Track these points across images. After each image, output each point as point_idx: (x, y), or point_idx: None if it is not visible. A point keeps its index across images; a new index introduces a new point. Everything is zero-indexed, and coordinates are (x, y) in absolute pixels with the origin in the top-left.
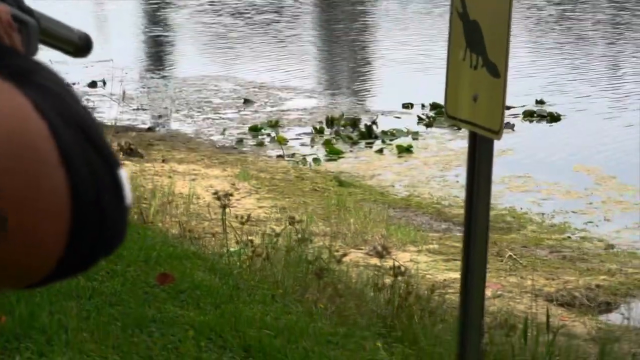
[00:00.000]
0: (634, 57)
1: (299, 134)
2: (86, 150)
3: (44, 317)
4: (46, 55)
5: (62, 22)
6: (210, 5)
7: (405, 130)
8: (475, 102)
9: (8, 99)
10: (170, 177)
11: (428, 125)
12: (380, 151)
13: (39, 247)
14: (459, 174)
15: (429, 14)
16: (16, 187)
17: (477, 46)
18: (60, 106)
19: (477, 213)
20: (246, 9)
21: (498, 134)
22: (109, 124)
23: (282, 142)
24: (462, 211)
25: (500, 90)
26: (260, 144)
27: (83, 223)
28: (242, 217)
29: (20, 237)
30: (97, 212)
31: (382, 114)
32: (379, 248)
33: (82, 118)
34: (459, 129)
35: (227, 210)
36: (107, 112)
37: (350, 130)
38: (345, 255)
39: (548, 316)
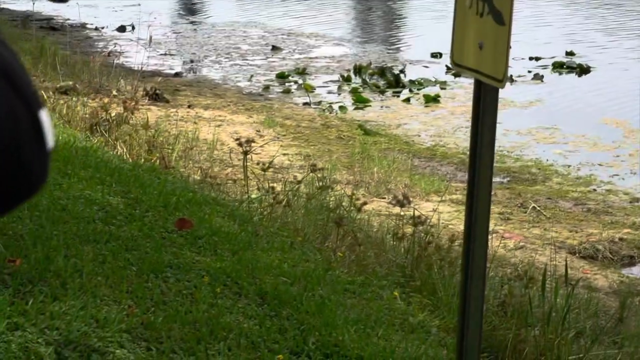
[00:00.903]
0: None
1: (326, 82)
2: (7, 94)
3: (59, 260)
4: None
5: None
6: None
7: (433, 79)
8: (480, 50)
9: None
10: (195, 122)
11: (456, 75)
12: (407, 100)
13: None
14: None
15: None
16: None
17: None
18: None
19: (481, 162)
20: None
21: (502, 82)
22: (136, 68)
23: (309, 89)
24: None
25: (505, 38)
26: (287, 91)
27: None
28: (264, 164)
29: None
30: (14, 157)
31: (411, 63)
32: (401, 197)
33: (5, 62)
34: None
35: (250, 157)
36: (134, 56)
37: (377, 79)
38: (366, 204)
39: (567, 268)
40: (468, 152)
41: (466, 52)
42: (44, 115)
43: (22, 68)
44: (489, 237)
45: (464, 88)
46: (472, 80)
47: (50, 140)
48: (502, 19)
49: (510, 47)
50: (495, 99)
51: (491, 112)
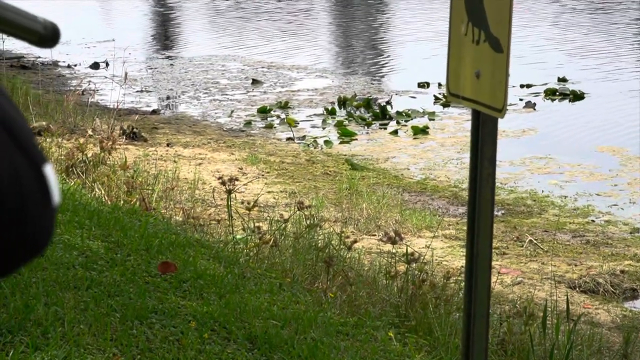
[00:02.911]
0: None
1: (310, 116)
2: (9, 150)
3: (39, 309)
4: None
5: (23, 10)
6: None
7: (421, 110)
8: (477, 79)
9: None
10: (175, 161)
11: (445, 105)
12: (394, 132)
13: None
14: None
15: None
16: None
17: (479, 20)
18: None
19: (482, 196)
20: None
21: (502, 112)
22: (112, 106)
23: (292, 124)
24: None
25: (504, 66)
26: (270, 126)
27: (4, 229)
28: (249, 203)
29: None
30: (19, 217)
31: (397, 94)
32: (392, 234)
33: (6, 115)
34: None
35: (234, 195)
36: (109, 94)
37: (363, 111)
38: (356, 241)
39: (569, 303)
40: (461, 186)
41: (462, 82)
42: (49, 171)
43: (23, 120)
44: None
45: (453, 118)
46: (461, 110)
47: (56, 197)
48: (499, 46)
49: (509, 75)
50: (494, 130)
51: (490, 143)
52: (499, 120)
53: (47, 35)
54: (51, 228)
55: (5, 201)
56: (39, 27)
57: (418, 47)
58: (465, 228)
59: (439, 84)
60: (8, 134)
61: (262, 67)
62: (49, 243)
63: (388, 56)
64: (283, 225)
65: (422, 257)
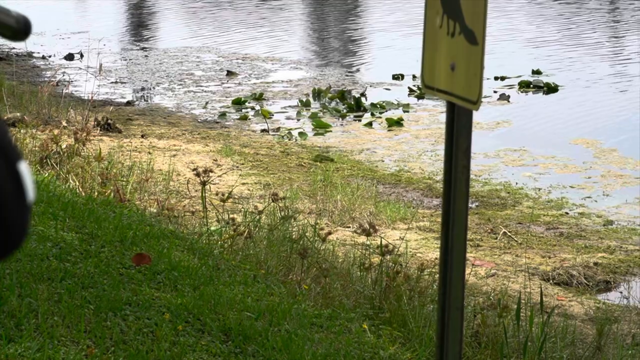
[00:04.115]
0: (633, 23)
1: (284, 107)
2: None
3: (13, 300)
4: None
5: None
6: None
7: (396, 102)
8: (452, 71)
9: None
10: (149, 153)
11: (419, 97)
12: (369, 124)
13: None
14: None
15: None
16: None
17: (454, 12)
18: None
19: (456, 188)
20: None
21: (476, 104)
22: (86, 98)
23: (266, 115)
24: None
25: (479, 58)
26: (244, 118)
27: None
28: (223, 195)
29: None
30: None
31: (371, 86)
32: (366, 226)
33: None
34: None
35: (208, 187)
36: (84, 85)
37: (338, 103)
38: (330, 233)
39: (542, 296)
40: (435, 178)
41: (437, 74)
42: (24, 168)
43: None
44: None
45: (427, 110)
46: (435, 103)
47: (30, 194)
48: (474, 38)
49: (484, 68)
50: (469, 122)
51: (465, 135)
52: (474, 112)
53: (20, 29)
54: (27, 224)
55: (9, 214)
56: (12, 21)
57: (393, 39)
58: (439, 220)
59: (414, 76)
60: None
61: (237, 59)
62: (24, 239)
63: (362, 48)
64: (257, 217)
65: (396, 249)
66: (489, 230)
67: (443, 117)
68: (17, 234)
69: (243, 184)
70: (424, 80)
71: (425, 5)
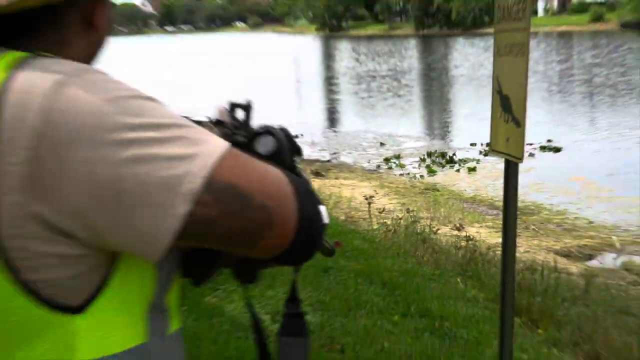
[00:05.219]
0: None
1: (412, 162)
2: (309, 198)
3: None
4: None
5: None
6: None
7: (472, 158)
8: (507, 142)
9: (290, 179)
10: (339, 187)
11: (485, 155)
12: (458, 171)
13: (284, 236)
14: None
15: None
16: (280, 209)
17: (508, 109)
18: (301, 181)
19: (509, 207)
20: (371, 75)
21: (521, 159)
22: (305, 158)
23: (402, 166)
24: None
25: (522, 134)
26: (390, 168)
27: (301, 227)
28: (379, 209)
29: (278, 229)
30: (308, 223)
31: (459, 149)
32: (458, 225)
33: (306, 186)
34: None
35: (372, 205)
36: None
37: (440, 159)
38: (438, 229)
39: (555, 263)
40: (495, 199)
41: (500, 143)
42: (323, 208)
43: (315, 193)
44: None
45: (490, 163)
46: (495, 159)
47: (326, 219)
48: (519, 123)
49: (525, 139)
50: (516, 169)
51: (514, 176)
52: (519, 164)
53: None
54: (320, 236)
55: (303, 213)
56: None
57: (473, 122)
58: (498, 221)
59: (482, 144)
60: (308, 193)
61: (384, 135)
62: (319, 245)
63: (454, 126)
64: (398, 221)
65: (474, 238)
66: (525, 227)
67: (499, 166)
68: (319, 238)
69: (390, 203)
70: (492, 147)
71: (492, 105)
